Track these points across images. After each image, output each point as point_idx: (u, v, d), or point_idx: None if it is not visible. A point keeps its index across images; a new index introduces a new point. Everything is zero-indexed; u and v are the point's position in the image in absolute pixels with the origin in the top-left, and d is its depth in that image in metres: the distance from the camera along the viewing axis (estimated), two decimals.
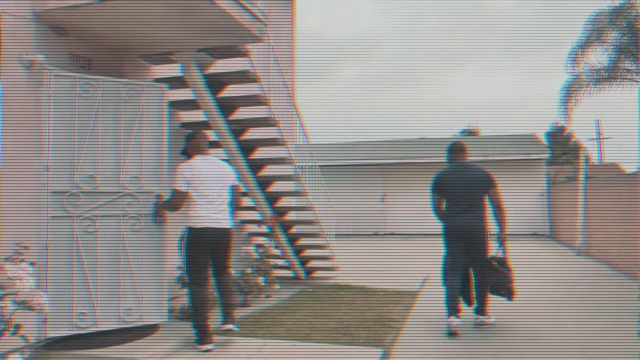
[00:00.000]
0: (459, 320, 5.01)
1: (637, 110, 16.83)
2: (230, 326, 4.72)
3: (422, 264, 9.95)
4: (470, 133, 38.65)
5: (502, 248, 5.45)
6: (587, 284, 7.93)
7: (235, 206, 4.94)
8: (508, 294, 5.33)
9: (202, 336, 4.58)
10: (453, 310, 5.05)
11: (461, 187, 5.31)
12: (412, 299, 6.71)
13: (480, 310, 5.37)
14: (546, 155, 17.73)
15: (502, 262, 5.37)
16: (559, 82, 65.11)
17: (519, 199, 17.53)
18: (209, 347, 4.53)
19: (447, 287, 5.21)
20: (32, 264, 3.61)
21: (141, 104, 4.92)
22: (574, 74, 17.50)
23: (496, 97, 78.95)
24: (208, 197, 4.65)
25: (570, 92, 17.79)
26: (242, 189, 5.01)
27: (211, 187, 4.68)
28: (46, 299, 3.65)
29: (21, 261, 3.71)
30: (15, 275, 3.31)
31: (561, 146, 32.74)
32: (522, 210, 17.44)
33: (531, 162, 17.74)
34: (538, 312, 5.91)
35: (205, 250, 4.68)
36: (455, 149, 5.54)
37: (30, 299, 3.60)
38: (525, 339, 4.86)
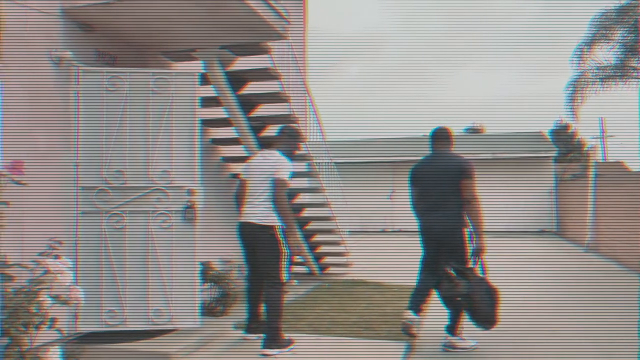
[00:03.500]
0: (416, 316, 4.45)
1: (638, 108, 16.85)
2: (266, 351, 4.36)
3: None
4: (474, 131, 38.67)
5: (477, 261, 4.44)
6: (596, 280, 7.98)
7: (276, 202, 4.45)
8: (467, 309, 4.36)
9: (247, 324, 4.78)
10: (414, 305, 4.50)
11: (432, 180, 4.58)
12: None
13: (451, 328, 4.57)
14: (554, 153, 17.76)
15: (463, 272, 4.36)
16: (562, 80, 65.19)
17: (526, 197, 17.59)
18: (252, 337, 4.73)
19: (417, 283, 4.65)
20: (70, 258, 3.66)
21: (171, 94, 4.72)
22: (580, 71, 17.52)
23: (499, 94, 78.97)
24: (249, 191, 4.65)
25: (576, 89, 17.81)
26: (290, 185, 4.58)
27: (252, 180, 4.64)
28: (82, 293, 3.71)
29: (55, 257, 3.78)
30: (57, 269, 3.35)
31: (565, 144, 32.74)
32: (529, 207, 17.51)
33: (539, 159, 17.77)
34: (549, 310, 5.96)
35: (243, 246, 4.73)
36: (436, 136, 4.77)
37: (68, 293, 3.66)
38: (537, 337, 4.90)
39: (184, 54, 5.76)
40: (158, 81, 4.71)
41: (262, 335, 4.63)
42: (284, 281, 4.48)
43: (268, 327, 4.40)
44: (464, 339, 4.55)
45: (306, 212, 7.83)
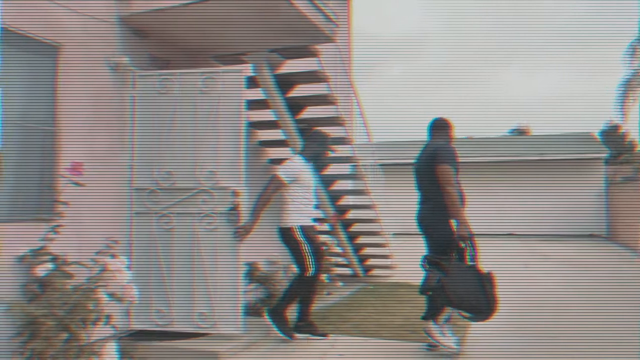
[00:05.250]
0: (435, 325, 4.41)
1: None
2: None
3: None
4: (520, 132, 37.81)
5: (464, 249, 4.27)
6: None
7: (260, 195, 4.74)
8: (446, 302, 4.19)
9: (295, 324, 4.91)
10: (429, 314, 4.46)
11: (421, 171, 4.53)
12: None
13: (428, 316, 4.45)
14: (605, 154, 17.21)
15: (438, 263, 4.22)
16: (612, 80, 63.01)
17: (575, 200, 17.11)
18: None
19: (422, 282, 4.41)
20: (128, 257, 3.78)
21: (218, 93, 4.70)
22: (632, 70, 16.93)
23: (546, 95, 76.96)
24: None
25: (628, 89, 17.22)
26: (284, 182, 4.74)
27: None
28: (137, 292, 3.83)
29: (111, 256, 3.91)
30: (116, 268, 3.47)
31: (616, 145, 31.66)
32: (578, 210, 17.02)
33: (588, 161, 17.26)
34: (597, 317, 5.78)
35: None
36: (431, 127, 4.66)
37: (123, 291, 3.79)
38: (582, 346, 4.76)
39: (234, 57, 5.86)
40: (206, 81, 4.71)
41: (309, 335, 4.74)
42: (309, 276, 4.73)
43: (274, 309, 4.78)
44: (446, 334, 4.37)
45: (351, 214, 7.83)
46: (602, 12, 71.39)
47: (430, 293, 4.24)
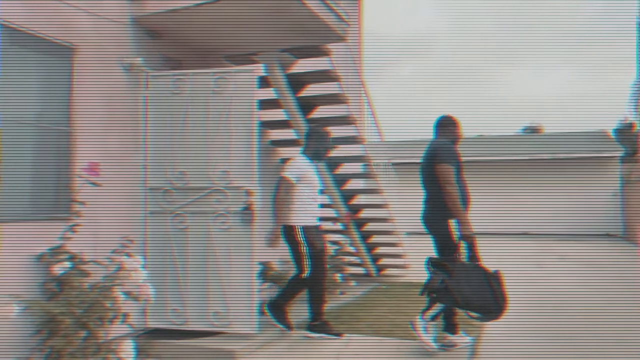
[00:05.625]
0: (453, 335, 4.47)
1: None
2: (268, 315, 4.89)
3: (489, 264, 9.78)
4: (533, 130, 37.54)
5: (465, 249, 4.27)
6: None
7: (275, 198, 4.81)
8: (451, 303, 4.20)
9: (309, 323, 4.96)
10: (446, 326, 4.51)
11: (423, 171, 4.53)
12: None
13: (448, 327, 4.50)
14: (620, 153, 17.04)
15: (441, 265, 4.24)
16: (625, 77, 62.37)
17: (590, 199, 16.96)
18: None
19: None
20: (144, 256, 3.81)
21: (230, 93, 4.71)
22: None
23: (558, 93, 76.37)
24: None
25: None
26: (292, 182, 4.80)
27: None
28: (153, 291, 3.86)
29: (126, 255, 3.95)
30: (132, 267, 3.50)
31: (631, 144, 31.32)
32: (593, 210, 16.87)
33: (602, 160, 17.10)
34: (613, 317, 5.73)
35: None
36: (438, 125, 4.64)
37: (138, 290, 3.82)
38: (597, 347, 4.72)
39: (245, 57, 5.89)
40: (218, 81, 4.73)
41: (324, 334, 4.76)
42: (305, 276, 4.82)
43: (273, 302, 4.90)
44: (428, 331, 4.30)
45: (363, 213, 7.83)
46: (615, 9, 70.76)
47: (435, 295, 4.22)
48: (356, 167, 8.14)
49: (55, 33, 4.05)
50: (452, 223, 4.27)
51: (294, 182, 4.78)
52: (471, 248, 4.26)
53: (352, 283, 7.16)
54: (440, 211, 4.32)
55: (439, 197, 4.30)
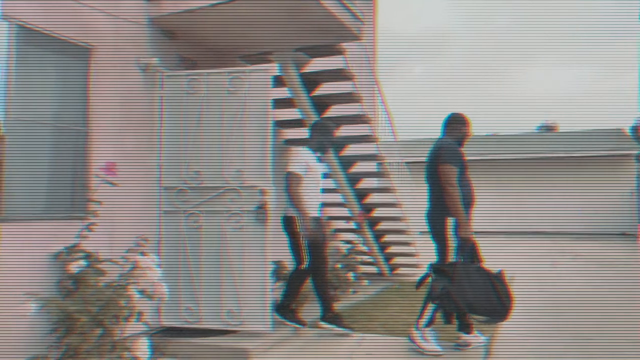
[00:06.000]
0: (467, 335, 4.44)
1: None
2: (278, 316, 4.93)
3: (502, 263, 9.71)
4: (548, 129, 37.17)
5: (466, 253, 4.24)
6: None
7: (289, 195, 4.83)
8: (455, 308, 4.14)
9: (322, 315, 4.99)
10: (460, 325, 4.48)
11: (427, 168, 4.51)
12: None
13: (462, 327, 4.45)
14: (636, 151, 16.84)
15: (442, 270, 4.19)
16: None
17: (605, 197, 16.79)
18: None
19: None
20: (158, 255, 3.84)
21: (245, 92, 4.70)
22: None
23: (574, 91, 75.54)
24: None
25: None
26: (301, 177, 4.83)
27: None
28: (167, 289, 3.88)
29: (141, 253, 3.98)
30: (146, 265, 3.53)
31: None
32: (609, 209, 16.70)
33: (618, 158, 16.90)
34: (628, 312, 5.68)
35: None
36: (446, 122, 4.59)
37: (153, 288, 3.85)
38: (616, 339, 4.68)
39: (260, 56, 5.90)
40: (233, 80, 4.72)
41: (335, 327, 4.88)
42: (304, 268, 4.89)
43: (280, 305, 4.95)
44: (427, 340, 4.30)
45: (377, 212, 7.81)
46: (631, 6, 69.71)
47: (437, 302, 4.19)
48: (370, 166, 8.12)
49: (73, 34, 4.08)
50: (450, 223, 4.26)
51: (303, 175, 4.82)
52: (472, 250, 4.25)
53: (365, 282, 7.15)
54: (440, 211, 4.33)
55: (440, 197, 4.31)
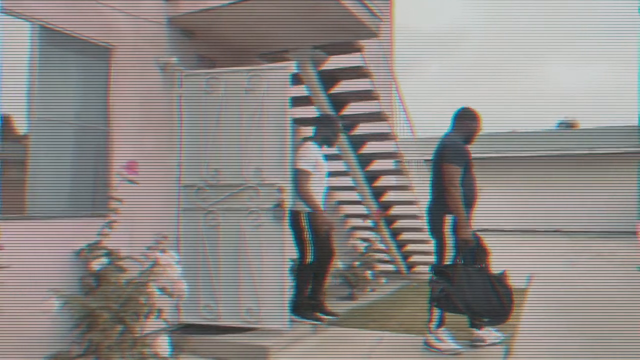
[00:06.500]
0: (479, 332, 4.41)
1: None
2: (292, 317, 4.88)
3: (521, 261, 9.64)
4: (568, 125, 36.69)
5: (465, 254, 4.20)
6: None
7: (298, 191, 4.81)
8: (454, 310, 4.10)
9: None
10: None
11: (432, 165, 4.44)
12: (521, 297, 6.53)
13: (475, 324, 4.41)
14: None
15: (442, 271, 4.14)
16: None
17: (627, 195, 16.55)
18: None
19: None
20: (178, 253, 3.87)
21: (263, 90, 4.69)
22: None
23: (594, 87, 74.49)
24: None
25: None
26: (310, 172, 4.81)
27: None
28: (186, 287, 3.91)
29: (161, 251, 4.01)
30: (167, 263, 3.56)
31: None
32: (630, 206, 16.45)
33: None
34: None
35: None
36: (454, 117, 4.49)
37: (173, 286, 3.88)
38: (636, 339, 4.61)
39: (278, 54, 5.90)
40: (252, 79, 4.71)
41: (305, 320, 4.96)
42: (309, 262, 4.90)
43: (294, 305, 4.93)
44: (443, 340, 4.27)
45: (394, 210, 7.79)
46: None
47: (436, 304, 4.18)
48: (388, 164, 8.09)
49: (93, 34, 4.13)
50: (448, 221, 4.21)
51: (311, 171, 4.82)
52: (473, 251, 4.21)
53: (383, 280, 7.13)
54: (439, 208, 4.30)
55: (441, 194, 4.27)
